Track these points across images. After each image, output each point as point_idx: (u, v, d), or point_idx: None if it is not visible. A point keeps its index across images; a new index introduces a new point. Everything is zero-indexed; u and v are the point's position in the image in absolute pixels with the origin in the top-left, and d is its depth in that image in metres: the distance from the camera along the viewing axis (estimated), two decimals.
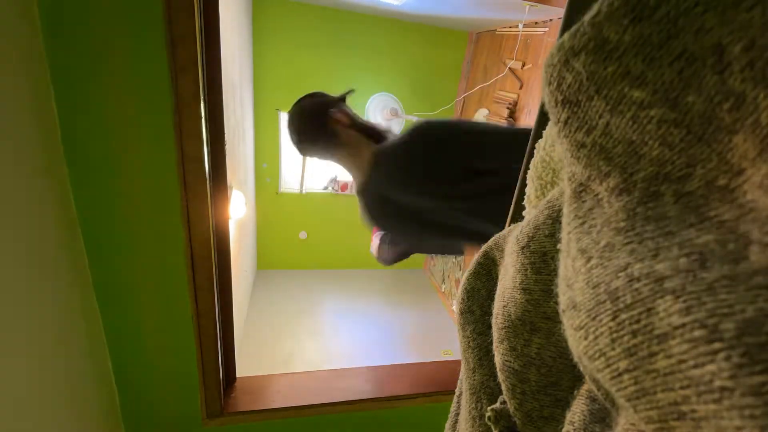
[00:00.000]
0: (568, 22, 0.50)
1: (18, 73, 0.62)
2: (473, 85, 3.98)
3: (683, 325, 0.14)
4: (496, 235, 0.40)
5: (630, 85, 0.19)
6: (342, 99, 1.14)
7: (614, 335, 0.16)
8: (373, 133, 1.10)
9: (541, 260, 0.29)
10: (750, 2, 0.15)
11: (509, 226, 0.49)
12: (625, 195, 0.20)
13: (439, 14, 3.42)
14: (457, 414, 0.47)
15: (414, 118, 3.53)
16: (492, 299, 0.38)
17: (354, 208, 4.70)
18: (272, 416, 1.17)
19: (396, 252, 1.25)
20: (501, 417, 0.33)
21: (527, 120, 3.06)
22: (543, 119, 0.52)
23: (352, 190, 4.45)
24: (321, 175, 4.44)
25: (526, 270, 0.30)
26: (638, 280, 0.16)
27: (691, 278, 0.14)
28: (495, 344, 0.33)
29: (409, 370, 1.36)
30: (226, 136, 0.92)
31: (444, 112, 4.28)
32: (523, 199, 0.44)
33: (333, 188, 4.33)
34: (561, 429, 0.27)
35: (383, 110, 3.49)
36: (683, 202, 0.18)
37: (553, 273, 0.28)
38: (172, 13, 0.69)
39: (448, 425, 0.48)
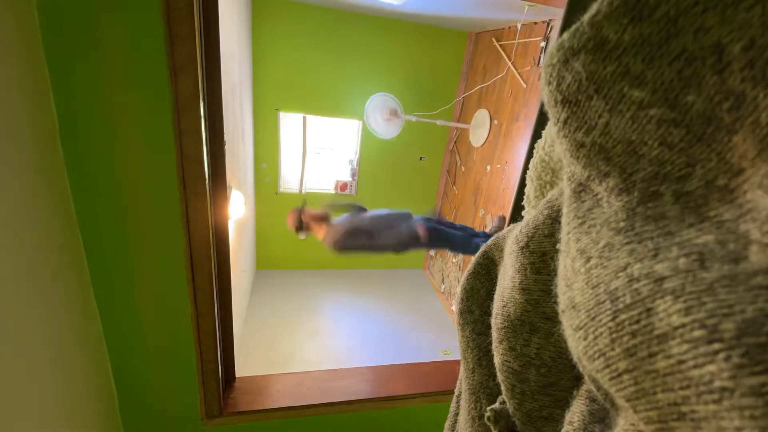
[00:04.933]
0: (568, 22, 0.50)
1: (17, 73, 0.62)
2: (473, 85, 3.98)
3: (683, 325, 0.14)
4: (496, 235, 0.40)
5: (629, 84, 0.19)
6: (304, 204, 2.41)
7: (614, 335, 0.16)
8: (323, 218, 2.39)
9: (541, 260, 0.29)
10: (749, 2, 0.15)
11: (508, 226, 0.49)
12: (625, 195, 0.20)
13: (439, 14, 3.42)
14: (457, 414, 0.47)
15: (413, 118, 3.49)
16: (491, 299, 0.38)
17: None
18: (271, 416, 1.17)
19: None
20: (500, 417, 0.33)
21: (525, 123, 3.06)
22: (542, 119, 0.52)
23: (351, 190, 4.45)
24: (321, 175, 4.45)
25: (525, 270, 0.30)
26: (638, 280, 0.16)
27: (690, 278, 0.14)
28: (494, 344, 0.33)
29: (408, 370, 1.36)
30: (225, 136, 0.92)
31: (444, 111, 4.28)
32: (522, 199, 0.44)
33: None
34: (560, 429, 0.27)
35: (383, 110, 3.47)
36: (683, 202, 0.18)
37: (553, 273, 0.28)
38: (171, 13, 0.69)
39: (447, 425, 0.48)
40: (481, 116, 3.65)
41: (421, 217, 2.62)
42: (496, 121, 3.47)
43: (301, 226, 2.39)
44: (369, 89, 4.01)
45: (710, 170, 0.17)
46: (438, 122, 3.64)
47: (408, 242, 2.48)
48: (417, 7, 3.22)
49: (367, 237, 2.38)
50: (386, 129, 3.54)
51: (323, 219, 2.40)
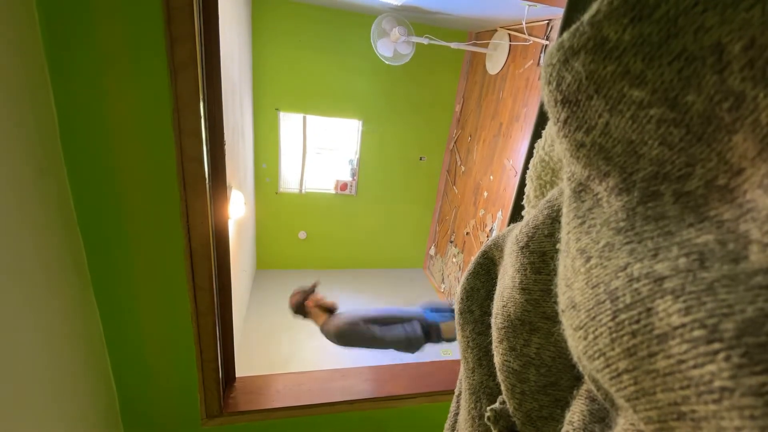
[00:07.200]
0: (568, 22, 0.50)
1: (17, 72, 0.62)
2: (472, 84, 3.98)
3: (683, 325, 0.14)
4: (495, 235, 0.40)
5: (629, 84, 0.19)
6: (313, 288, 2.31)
7: (614, 335, 0.16)
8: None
9: (541, 260, 0.29)
10: (749, 1, 0.15)
11: (508, 225, 0.49)
12: (625, 195, 0.20)
13: (439, 14, 3.42)
14: (457, 414, 0.47)
15: (425, 41, 3.22)
16: (491, 299, 0.38)
17: (353, 208, 4.67)
18: (271, 416, 1.17)
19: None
20: (500, 417, 0.33)
21: (524, 124, 3.06)
22: (542, 119, 0.53)
23: (351, 190, 4.45)
24: (321, 175, 4.45)
25: (525, 270, 0.30)
26: (638, 280, 0.16)
27: (690, 278, 0.14)
28: (494, 344, 0.33)
29: (408, 370, 1.36)
30: (225, 135, 0.92)
31: (444, 111, 4.28)
32: (522, 199, 0.44)
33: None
34: (560, 429, 0.27)
35: (391, 31, 3.18)
36: (683, 201, 0.18)
37: (553, 273, 0.28)
38: (171, 12, 0.69)
39: (447, 425, 0.48)
40: (498, 37, 3.42)
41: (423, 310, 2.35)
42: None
43: (301, 310, 2.27)
44: (369, 89, 4.01)
45: (710, 170, 0.17)
46: (452, 45, 3.39)
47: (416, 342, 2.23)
48: (417, 6, 3.22)
49: (365, 340, 2.19)
50: (396, 52, 3.21)
51: (328, 310, 2.26)
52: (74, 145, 0.75)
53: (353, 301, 4.27)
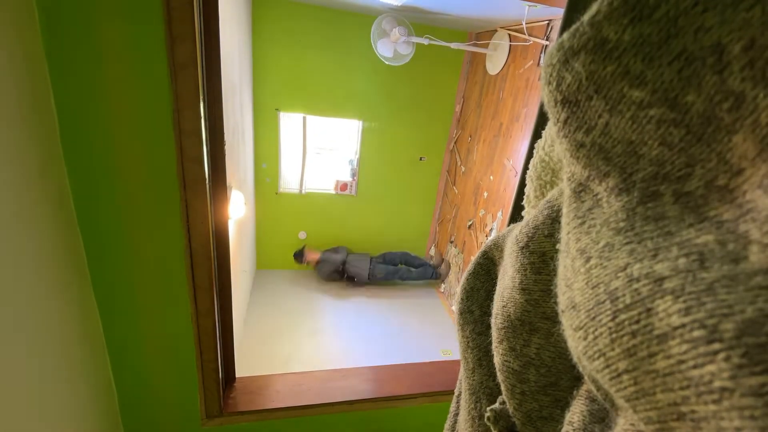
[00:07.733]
0: (568, 22, 0.50)
1: (17, 72, 0.62)
2: (473, 85, 3.98)
3: (683, 325, 0.14)
4: (495, 235, 0.40)
5: (629, 84, 0.19)
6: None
7: (614, 336, 0.16)
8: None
9: (541, 260, 0.29)
10: (749, 2, 0.15)
11: (508, 225, 0.49)
12: (625, 195, 0.20)
13: (439, 14, 3.42)
14: (457, 414, 0.46)
15: (425, 41, 3.25)
16: (491, 299, 0.38)
17: (353, 208, 4.67)
18: (271, 416, 1.17)
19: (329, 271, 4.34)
20: (500, 417, 0.33)
21: (524, 124, 3.06)
22: (542, 119, 0.53)
23: (351, 190, 4.45)
24: (321, 175, 4.45)
25: (525, 270, 0.30)
26: (637, 280, 0.16)
27: (690, 278, 0.14)
28: (494, 344, 0.33)
29: (408, 370, 1.36)
30: (225, 135, 0.92)
31: (444, 111, 4.28)
32: (522, 199, 0.44)
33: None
34: (560, 429, 0.27)
35: (391, 31, 3.18)
36: (683, 202, 0.18)
37: (553, 273, 0.28)
38: (171, 12, 0.69)
39: (447, 425, 0.48)
40: (499, 37, 3.42)
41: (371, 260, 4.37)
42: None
43: (301, 260, 4.32)
44: (369, 89, 4.01)
45: (710, 170, 0.17)
46: (452, 45, 3.41)
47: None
48: (416, 6, 3.22)
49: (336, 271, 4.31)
50: (396, 53, 3.24)
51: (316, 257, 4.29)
52: (74, 145, 0.75)
53: (352, 301, 4.27)
